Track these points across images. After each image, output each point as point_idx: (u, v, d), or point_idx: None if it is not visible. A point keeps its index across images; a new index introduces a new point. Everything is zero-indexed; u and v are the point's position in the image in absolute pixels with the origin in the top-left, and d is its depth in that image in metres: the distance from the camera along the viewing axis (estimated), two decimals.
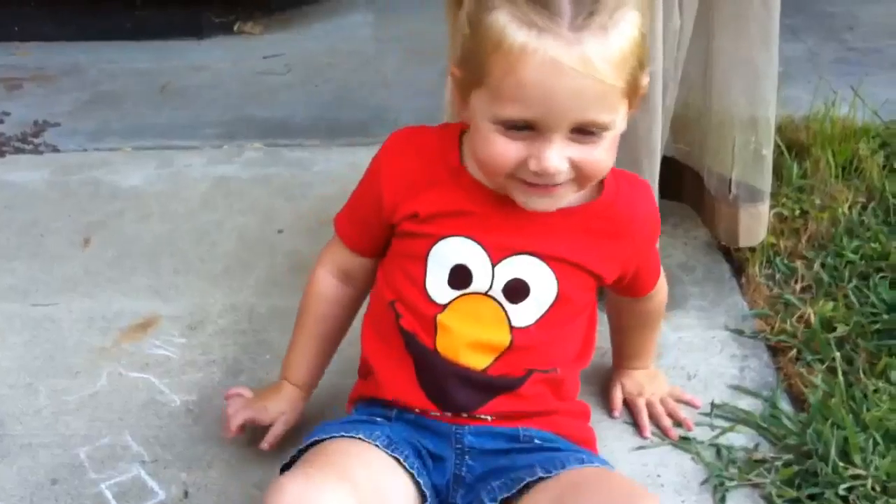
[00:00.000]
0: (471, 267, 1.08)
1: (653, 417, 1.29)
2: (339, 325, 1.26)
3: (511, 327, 1.08)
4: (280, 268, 1.64)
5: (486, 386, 1.09)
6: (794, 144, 1.88)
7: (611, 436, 1.28)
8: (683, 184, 1.62)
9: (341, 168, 1.94)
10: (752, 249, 1.59)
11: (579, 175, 1.01)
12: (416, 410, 1.11)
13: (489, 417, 1.10)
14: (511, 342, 1.08)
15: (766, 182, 1.52)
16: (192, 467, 1.25)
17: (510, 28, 0.94)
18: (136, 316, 1.53)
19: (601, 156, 1.00)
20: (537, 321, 1.09)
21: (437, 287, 1.09)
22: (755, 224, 1.55)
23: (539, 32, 0.93)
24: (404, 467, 1.05)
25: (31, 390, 1.38)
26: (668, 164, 1.54)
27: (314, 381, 1.27)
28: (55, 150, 2.11)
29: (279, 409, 1.23)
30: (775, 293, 1.53)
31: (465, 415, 1.10)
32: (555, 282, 1.08)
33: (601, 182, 1.08)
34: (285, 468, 1.07)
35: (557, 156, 0.97)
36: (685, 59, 1.44)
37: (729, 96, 1.46)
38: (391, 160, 1.14)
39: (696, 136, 1.55)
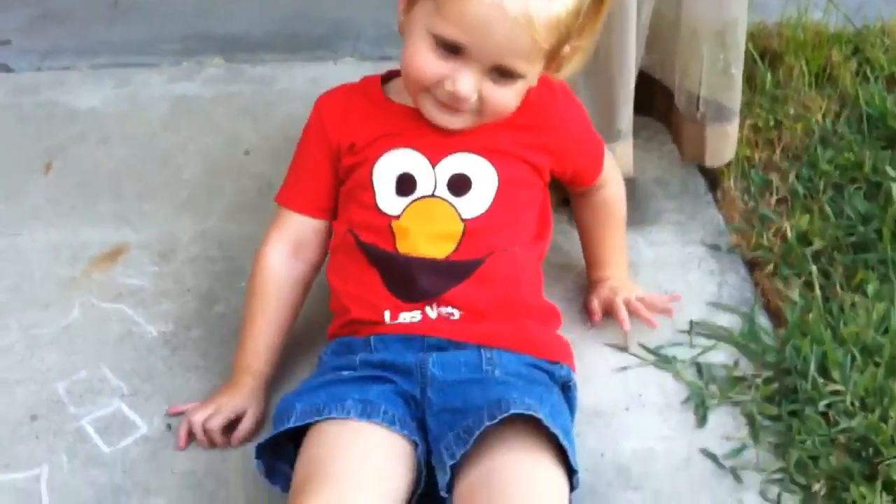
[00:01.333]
0: (413, 173, 1.16)
1: (633, 313, 1.29)
2: (294, 304, 1.25)
3: (462, 219, 1.15)
4: (248, 192, 1.60)
5: (447, 270, 1.14)
6: (766, 52, 1.85)
7: (591, 357, 1.28)
8: (654, 100, 1.60)
9: (304, 85, 1.88)
10: (727, 163, 1.58)
11: (483, 108, 1.12)
12: (381, 329, 1.13)
13: (456, 313, 1.12)
14: (464, 230, 1.15)
15: (734, 101, 1.50)
16: (172, 399, 1.24)
17: None
18: (104, 245, 1.49)
19: (508, 97, 1.12)
20: (486, 210, 1.16)
21: (387, 200, 1.16)
22: (722, 143, 1.54)
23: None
24: (388, 429, 1.04)
25: (2, 325, 1.36)
26: (640, 79, 1.52)
27: (274, 370, 1.23)
28: (7, 69, 2.02)
29: (241, 406, 1.18)
30: (751, 206, 1.53)
31: (433, 307, 1.12)
32: (493, 170, 1.17)
33: None
34: (261, 448, 1.05)
35: (471, 84, 1.09)
36: None
37: (698, 3, 1.43)
38: (327, 110, 1.25)
39: (666, 48, 1.52)
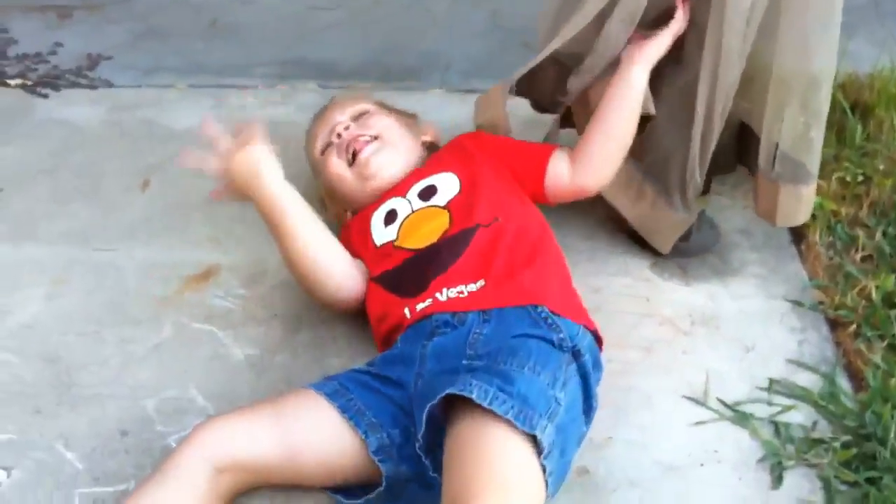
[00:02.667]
0: (395, 207, 1.38)
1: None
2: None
3: (443, 206, 1.34)
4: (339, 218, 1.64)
5: (446, 248, 1.28)
6: (857, 104, 1.84)
7: (668, 409, 1.29)
8: (750, 150, 1.59)
9: None
10: (813, 216, 1.57)
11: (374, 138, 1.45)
12: (404, 326, 1.24)
13: (465, 291, 1.22)
14: (448, 210, 1.33)
15: (813, 163, 1.44)
16: None
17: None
18: (196, 265, 1.54)
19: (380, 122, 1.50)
20: (458, 191, 1.36)
21: (380, 234, 1.37)
22: (795, 206, 1.47)
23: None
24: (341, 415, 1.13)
25: (98, 339, 1.41)
26: (741, 128, 1.52)
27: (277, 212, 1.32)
28: (109, 84, 2.11)
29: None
30: (835, 262, 1.52)
31: (442, 291, 1.23)
32: (451, 173, 1.39)
33: None
34: None
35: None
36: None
37: (789, 51, 1.41)
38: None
39: (758, 97, 1.51)
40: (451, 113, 1.99)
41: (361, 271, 1.36)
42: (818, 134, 1.42)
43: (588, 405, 1.18)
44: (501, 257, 1.26)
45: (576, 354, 1.17)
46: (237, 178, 1.30)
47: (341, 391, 1.15)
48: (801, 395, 1.30)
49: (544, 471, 1.00)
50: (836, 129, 1.77)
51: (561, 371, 1.11)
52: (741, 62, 1.40)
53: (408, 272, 1.30)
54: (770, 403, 1.29)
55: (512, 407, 1.00)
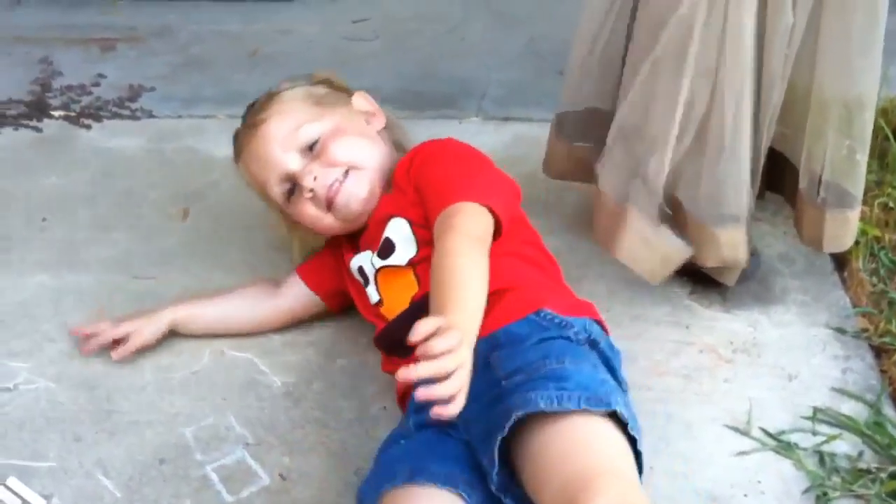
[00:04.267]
0: (362, 264, 1.33)
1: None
2: (242, 314, 1.47)
3: (406, 264, 1.27)
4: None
5: (420, 311, 1.14)
6: None
7: (710, 439, 1.27)
8: (784, 176, 1.57)
9: None
10: (856, 242, 1.54)
11: (335, 164, 1.34)
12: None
13: None
14: (413, 272, 1.26)
15: (858, 187, 1.43)
16: (293, 452, 1.27)
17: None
18: None
19: (336, 150, 1.34)
20: (418, 247, 1.27)
21: (368, 293, 1.33)
22: (842, 230, 1.46)
23: (253, 144, 1.39)
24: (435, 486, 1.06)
25: (136, 367, 1.42)
26: (771, 154, 1.51)
27: (185, 326, 1.45)
28: (151, 115, 2.14)
29: (135, 326, 1.42)
30: (879, 289, 1.50)
31: None
32: (401, 219, 1.29)
33: None
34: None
35: (307, 176, 1.33)
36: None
37: (829, 75, 1.40)
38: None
39: (796, 123, 1.49)
40: (487, 140, 1.99)
41: (275, 296, 1.46)
42: (863, 157, 1.41)
43: (622, 389, 1.16)
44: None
45: (592, 344, 1.16)
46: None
47: (410, 471, 1.08)
48: (846, 424, 1.27)
49: (634, 442, 1.01)
50: (878, 154, 1.75)
51: (591, 358, 1.12)
52: (783, 85, 1.38)
53: (392, 331, 1.25)
54: (814, 433, 1.26)
55: (580, 397, 1.00)
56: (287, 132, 1.34)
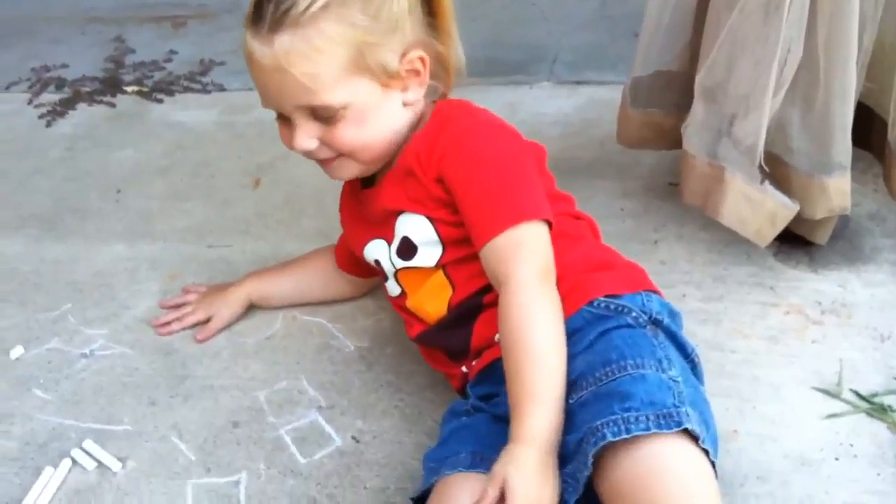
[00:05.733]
0: (378, 258, 1.20)
1: None
2: (314, 289, 1.44)
3: (436, 265, 1.14)
4: None
5: (463, 315, 1.13)
6: None
7: (799, 401, 1.21)
8: (871, 131, 1.50)
9: (501, 110, 1.83)
10: None
11: (339, 151, 1.12)
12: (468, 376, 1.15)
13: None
14: (446, 276, 1.14)
15: None
16: (366, 415, 1.25)
17: (245, 36, 1.08)
18: None
19: (345, 132, 1.09)
20: (444, 248, 1.13)
21: (388, 286, 1.22)
22: None
23: (251, 36, 1.06)
24: None
25: None
26: (858, 108, 1.43)
27: (262, 303, 1.44)
28: (222, 89, 2.15)
29: (216, 309, 1.41)
30: None
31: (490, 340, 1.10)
32: (421, 217, 1.13)
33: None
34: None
35: (302, 138, 1.10)
36: None
37: None
38: None
39: (884, 77, 1.42)
40: (559, 104, 1.96)
41: (344, 279, 1.42)
42: None
43: (691, 362, 1.09)
44: None
45: (656, 322, 1.07)
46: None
47: (472, 458, 1.04)
48: None
49: (707, 453, 0.94)
50: None
51: (656, 348, 1.03)
52: (873, 28, 1.31)
53: (437, 341, 1.19)
54: None
55: (647, 418, 0.93)
56: (302, 87, 1.05)
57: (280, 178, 1.78)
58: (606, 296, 1.08)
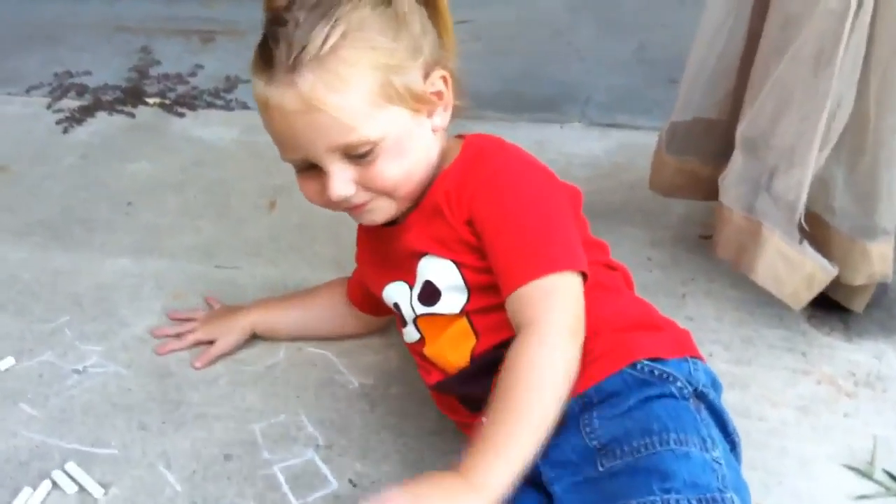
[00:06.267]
0: (398, 302, 1.13)
1: None
2: (321, 325, 1.36)
3: (461, 312, 1.05)
4: None
5: (483, 369, 1.02)
6: None
7: (827, 480, 1.13)
8: None
9: (529, 147, 1.81)
10: None
11: (375, 190, 1.04)
12: None
13: None
14: (469, 323, 1.05)
15: None
16: (366, 458, 1.18)
17: (255, 86, 1.02)
18: None
19: (386, 168, 1.02)
20: (470, 295, 1.05)
21: (405, 331, 1.14)
22: None
23: (266, 84, 0.99)
24: None
25: None
26: None
27: (265, 334, 1.36)
28: (245, 107, 2.10)
29: (218, 334, 1.35)
30: None
31: None
32: (447, 262, 1.05)
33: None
34: None
35: (339, 183, 1.02)
36: None
37: None
38: None
39: None
40: (589, 146, 1.90)
41: (354, 316, 1.34)
42: None
43: (731, 442, 1.01)
44: None
45: (700, 395, 0.99)
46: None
47: None
48: None
49: None
50: None
51: (700, 424, 0.94)
52: None
53: (458, 392, 1.10)
54: None
55: (689, 502, 0.86)
56: (337, 124, 0.97)
57: (296, 201, 1.69)
58: (651, 359, 0.99)
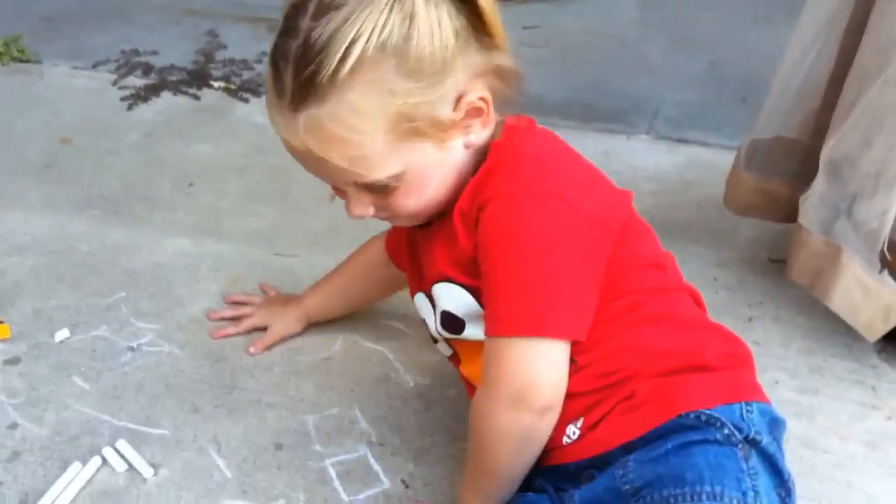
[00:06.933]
0: (425, 318, 1.07)
1: None
2: (370, 295, 1.34)
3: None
4: None
5: None
6: None
7: None
8: None
9: (595, 157, 1.76)
10: None
11: (397, 216, 0.99)
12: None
13: (575, 431, 0.96)
14: None
15: None
16: (419, 459, 1.16)
17: (266, 99, 0.93)
18: None
19: (403, 201, 0.95)
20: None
21: (438, 346, 1.11)
22: None
23: (272, 107, 0.91)
24: None
25: None
26: None
27: (321, 318, 1.34)
28: None
29: (274, 321, 1.33)
30: None
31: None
32: (462, 291, 0.98)
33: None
34: None
35: (357, 207, 0.97)
36: None
37: None
38: None
39: None
40: (656, 160, 1.86)
41: (392, 272, 1.26)
42: None
43: (785, 489, 0.93)
44: (592, 383, 0.96)
45: (751, 442, 0.91)
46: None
47: None
48: None
49: None
50: None
51: (744, 476, 0.87)
52: None
53: None
54: None
55: None
56: (344, 171, 0.91)
57: None
58: (699, 409, 0.91)
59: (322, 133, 0.87)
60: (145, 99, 2.05)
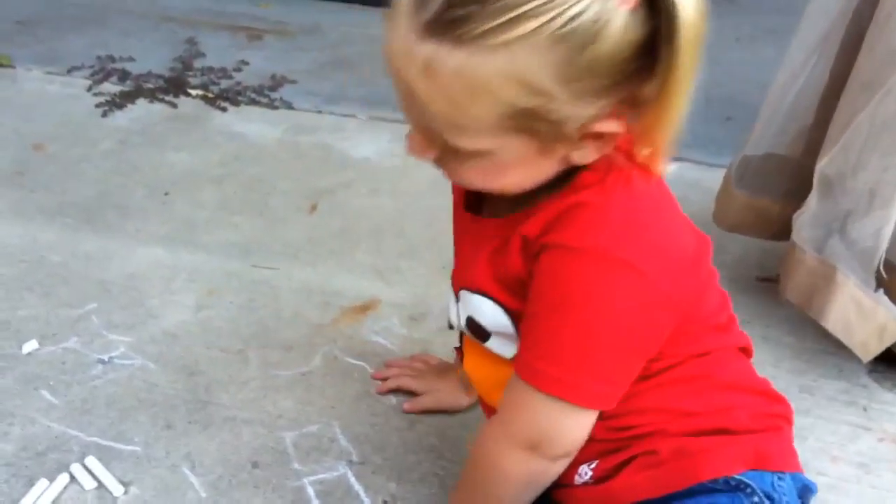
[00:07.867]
0: (451, 317, 0.99)
1: None
2: None
3: (508, 358, 0.90)
4: None
5: None
6: None
7: None
8: None
9: None
10: None
11: (451, 176, 0.82)
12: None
13: (587, 472, 0.91)
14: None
15: None
16: (402, 478, 1.12)
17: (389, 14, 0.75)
18: (356, 297, 1.42)
19: (469, 175, 0.80)
20: (516, 336, 0.88)
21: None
22: None
23: (396, 27, 0.73)
24: None
25: (243, 358, 1.29)
26: None
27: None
28: (290, 107, 2.05)
29: (436, 387, 1.22)
30: None
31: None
32: (499, 309, 0.88)
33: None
34: None
35: (418, 149, 0.80)
36: None
37: None
38: None
39: None
40: None
41: None
42: None
43: None
44: (614, 423, 0.90)
45: None
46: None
47: None
48: None
49: None
50: None
51: None
52: None
53: None
54: None
55: None
56: (435, 123, 0.74)
57: (338, 206, 1.66)
58: (723, 476, 0.86)
59: (436, 79, 0.71)
60: (120, 106, 2.01)
